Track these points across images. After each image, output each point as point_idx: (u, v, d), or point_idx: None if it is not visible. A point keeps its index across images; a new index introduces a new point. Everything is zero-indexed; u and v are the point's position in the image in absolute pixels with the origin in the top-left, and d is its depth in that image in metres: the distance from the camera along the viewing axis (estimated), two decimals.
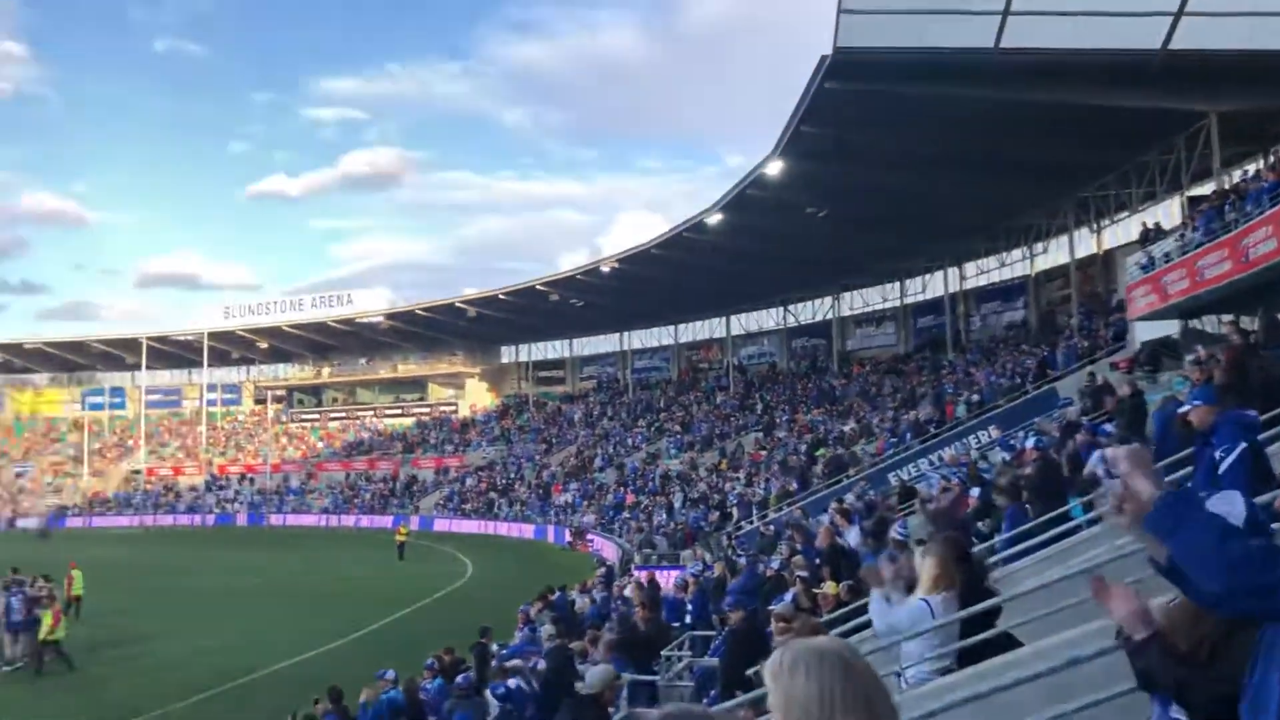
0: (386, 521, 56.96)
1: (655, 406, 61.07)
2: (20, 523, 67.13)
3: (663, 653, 10.62)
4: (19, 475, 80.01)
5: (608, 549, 38.21)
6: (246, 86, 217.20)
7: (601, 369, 72.74)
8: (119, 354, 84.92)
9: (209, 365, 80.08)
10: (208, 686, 17.78)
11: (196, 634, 23.95)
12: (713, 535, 32.96)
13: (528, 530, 50.07)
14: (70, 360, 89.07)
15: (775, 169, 31.91)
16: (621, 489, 47.31)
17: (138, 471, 77.63)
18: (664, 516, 38.61)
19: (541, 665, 10.60)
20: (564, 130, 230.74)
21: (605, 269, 51.82)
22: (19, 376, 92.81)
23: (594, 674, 6.94)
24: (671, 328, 66.63)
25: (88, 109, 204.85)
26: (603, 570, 24.91)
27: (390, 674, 11.39)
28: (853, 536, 12.62)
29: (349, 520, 62.18)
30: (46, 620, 19.67)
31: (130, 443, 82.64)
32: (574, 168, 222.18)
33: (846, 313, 55.81)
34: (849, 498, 20.89)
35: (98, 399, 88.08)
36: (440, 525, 56.00)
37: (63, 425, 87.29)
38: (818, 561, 11.60)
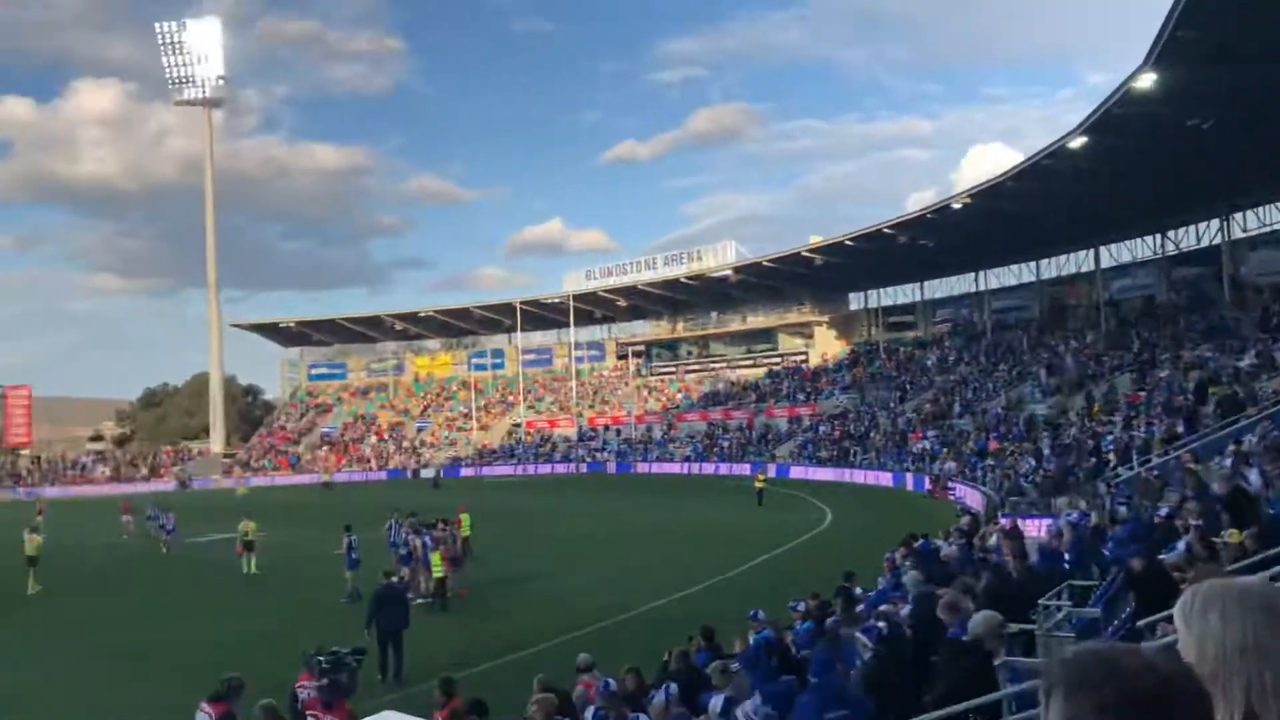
0: (745, 469, 58.28)
1: (1016, 348, 57.99)
2: (422, 473, 75.03)
3: (1040, 602, 10.10)
4: (419, 430, 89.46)
5: (971, 496, 36.94)
6: (594, 58, 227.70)
7: (956, 311, 70.01)
8: (496, 318, 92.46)
9: (575, 325, 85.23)
10: (585, 624, 19.01)
11: (574, 574, 25.73)
12: (1087, 482, 30.91)
13: (884, 478, 49.40)
14: (456, 326, 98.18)
15: (1146, 82, 29.02)
16: (983, 435, 45.45)
17: (518, 425, 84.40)
18: (1031, 463, 36.68)
19: (906, 612, 10.44)
20: (906, 66, 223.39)
21: (957, 206, 49.60)
22: (415, 343, 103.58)
23: (976, 620, 6.67)
24: (1032, 264, 62.81)
25: (458, 95, 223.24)
26: (966, 518, 24.08)
27: (761, 614, 11.65)
28: (1254, 479, 11.37)
29: (709, 468, 64.23)
30: (436, 560, 21.84)
31: (510, 399, 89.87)
32: (919, 103, 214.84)
33: (1239, 235, 49.77)
34: (1249, 439, 18.83)
35: (481, 360, 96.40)
36: (796, 473, 56.51)
37: (453, 385, 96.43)
38: (1217, 508, 10.56)
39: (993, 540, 18.04)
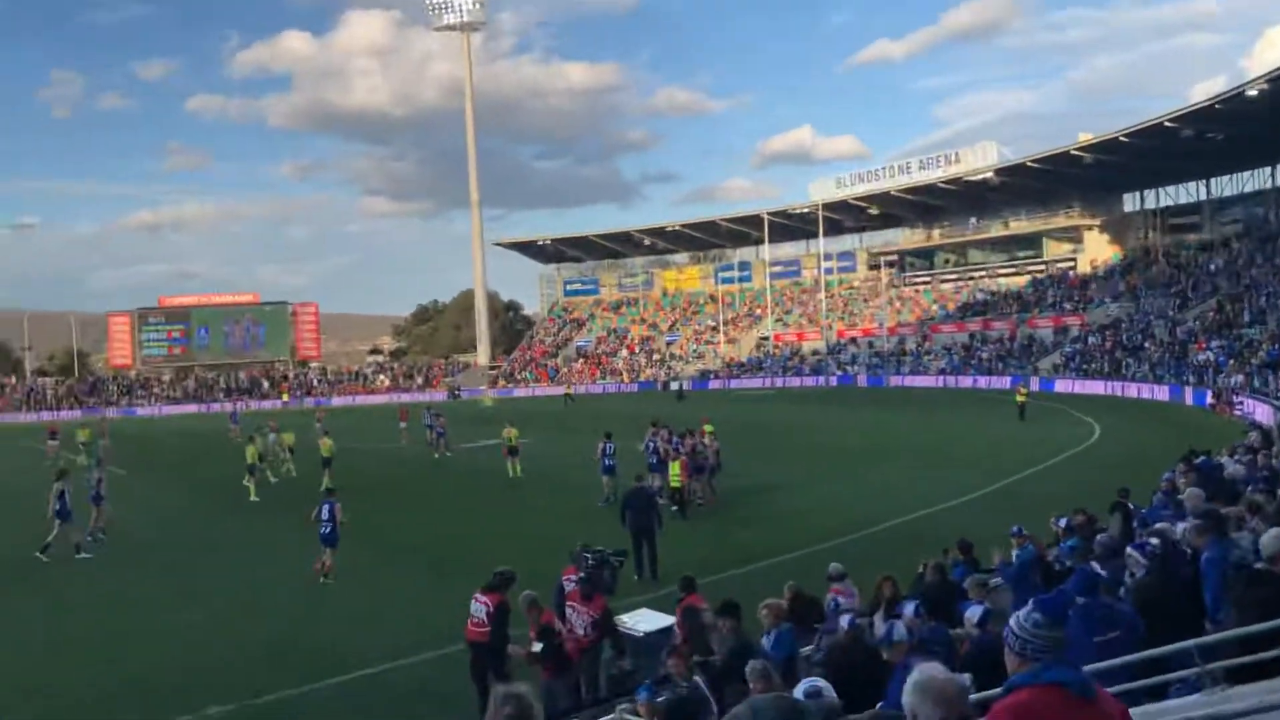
0: (1004, 382, 56.01)
1: None
2: (671, 385, 76.54)
3: None
4: (669, 344, 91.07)
5: (1261, 411, 33.90)
6: None
7: (1247, 211, 63.67)
8: (744, 230, 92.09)
9: (824, 235, 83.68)
10: (836, 535, 18.87)
11: (824, 487, 25.57)
12: None
13: (1160, 392, 46.11)
14: (703, 240, 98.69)
15: None
16: (1275, 345, 41.50)
17: (766, 338, 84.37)
18: None
19: (1182, 529, 9.67)
20: None
21: (1252, 93, 44.84)
22: (663, 257, 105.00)
23: (1270, 539, 6.02)
24: None
25: (704, 4, 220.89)
26: (1255, 434, 22.08)
27: (1021, 529, 11.17)
28: None
29: (966, 381, 62.11)
30: (674, 470, 22.11)
31: (758, 312, 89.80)
32: None
33: None
34: None
35: (729, 273, 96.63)
36: (1061, 386, 53.73)
37: (700, 299, 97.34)
38: None
39: None
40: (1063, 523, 12.18)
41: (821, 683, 5.01)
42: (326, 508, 17.60)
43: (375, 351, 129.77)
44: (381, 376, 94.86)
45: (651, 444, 24.88)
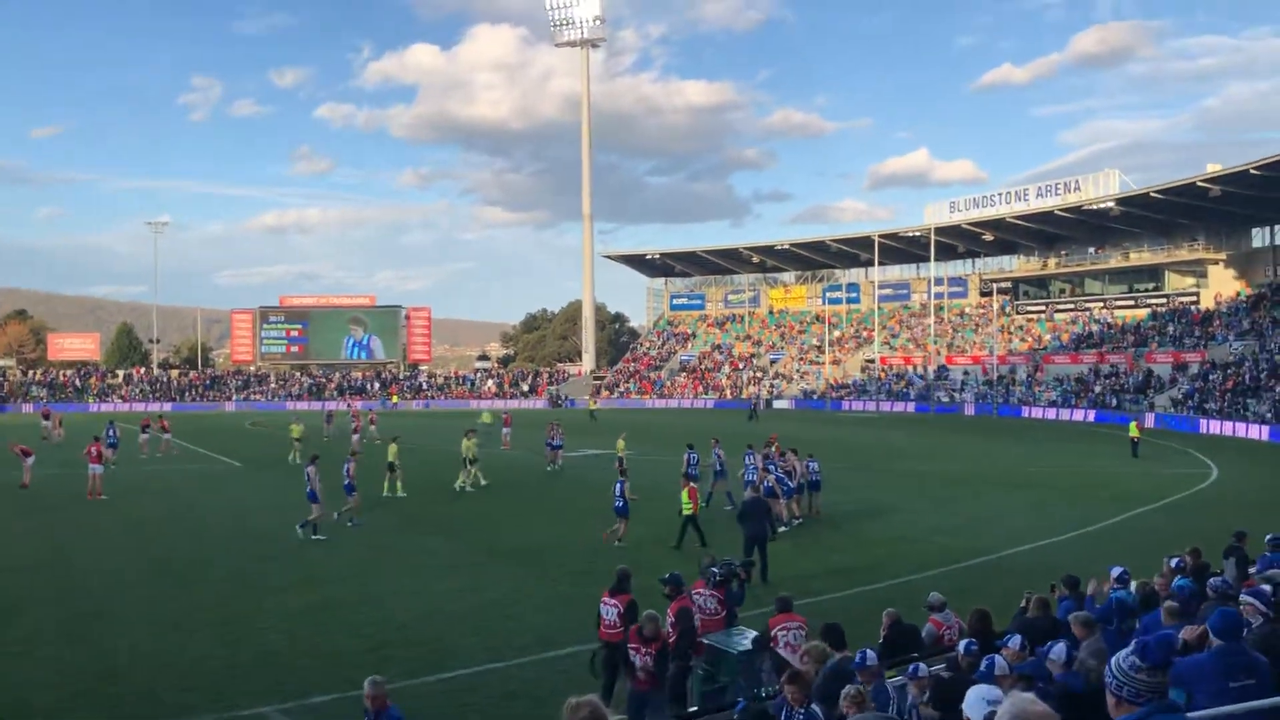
0: (1118, 417, 54.38)
1: None
2: (774, 404, 76.12)
3: None
4: (773, 362, 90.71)
5: None
6: None
7: None
8: (853, 251, 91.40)
9: (935, 259, 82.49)
10: (938, 564, 18.68)
11: (928, 514, 25.25)
12: None
13: None
14: (812, 259, 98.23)
15: None
16: None
17: (872, 360, 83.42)
18: None
19: None
20: None
21: None
22: (771, 275, 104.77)
23: None
24: None
25: (825, 25, 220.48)
26: None
27: (1119, 571, 10.96)
28: None
29: (1078, 414, 60.50)
30: (684, 497, 21.93)
31: (865, 334, 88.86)
32: None
33: None
34: None
35: (836, 294, 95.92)
36: (1179, 424, 51.95)
37: (807, 318, 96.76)
38: None
39: None
40: (1174, 563, 11.91)
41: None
42: (618, 486, 21.01)
43: (484, 357, 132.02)
44: (490, 381, 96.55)
45: (754, 461, 25.01)
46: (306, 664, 12.98)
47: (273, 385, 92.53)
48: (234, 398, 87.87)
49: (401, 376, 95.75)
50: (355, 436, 41.86)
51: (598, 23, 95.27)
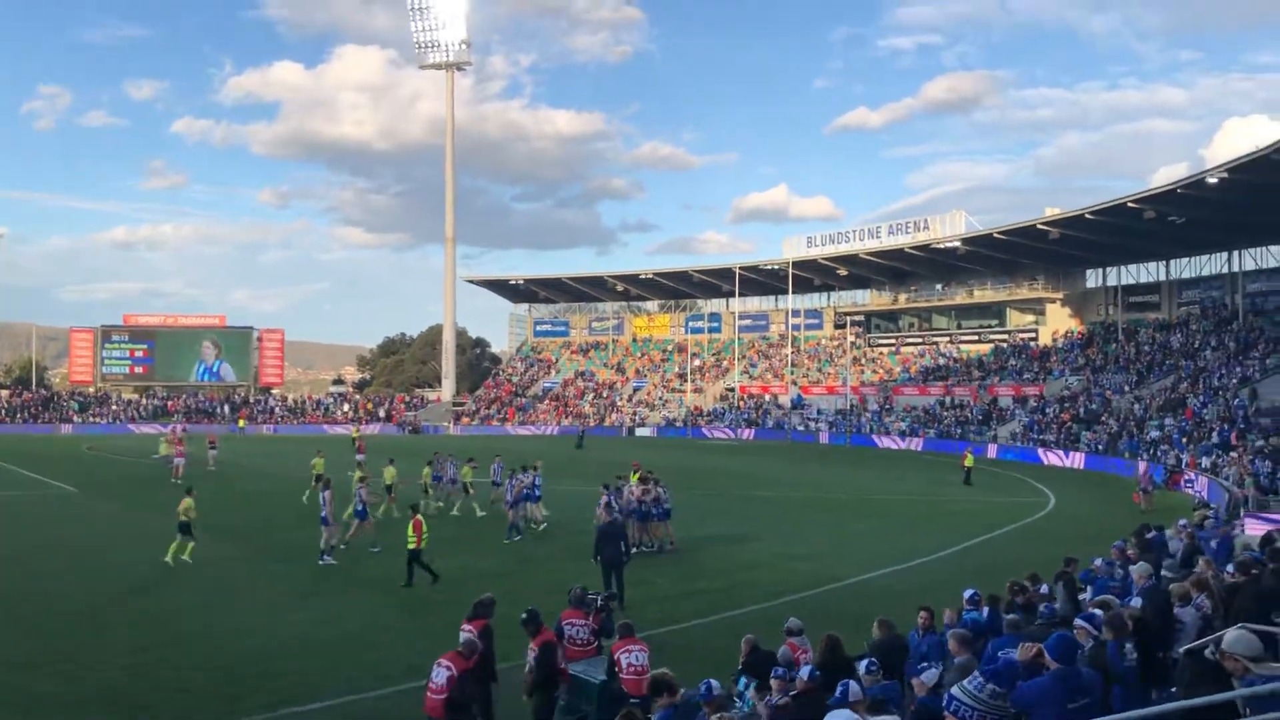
0: (962, 447, 56.71)
1: (1272, 335, 53.66)
2: (637, 431, 76.63)
3: None
4: (635, 390, 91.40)
5: (1210, 490, 34.68)
6: (825, 24, 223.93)
7: (1204, 293, 65.27)
8: (715, 282, 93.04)
9: (793, 292, 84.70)
10: (798, 589, 19.19)
11: (785, 541, 25.86)
12: None
13: (1115, 465, 46.96)
14: (675, 289, 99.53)
15: None
16: (1227, 426, 42.49)
17: (731, 389, 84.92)
18: None
19: (1134, 605, 10.08)
20: (1160, 30, 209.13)
21: (1212, 180, 46.25)
22: (635, 304, 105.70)
23: (1232, 639, 6.24)
24: None
25: (692, 62, 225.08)
26: (1208, 512, 22.69)
27: (969, 593, 11.54)
28: None
29: (926, 445, 62.81)
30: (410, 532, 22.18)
31: (725, 363, 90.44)
32: (1171, 71, 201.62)
33: None
34: None
35: (698, 323, 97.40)
36: (1019, 455, 54.53)
37: (669, 347, 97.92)
38: None
39: (1246, 537, 17.04)
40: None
41: None
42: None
43: (339, 381, 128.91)
44: (345, 406, 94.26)
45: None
46: (154, 700, 12.48)
47: (114, 408, 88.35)
48: (73, 420, 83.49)
49: (252, 400, 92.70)
50: (178, 461, 40.07)
51: (463, 46, 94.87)
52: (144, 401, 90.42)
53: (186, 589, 19.17)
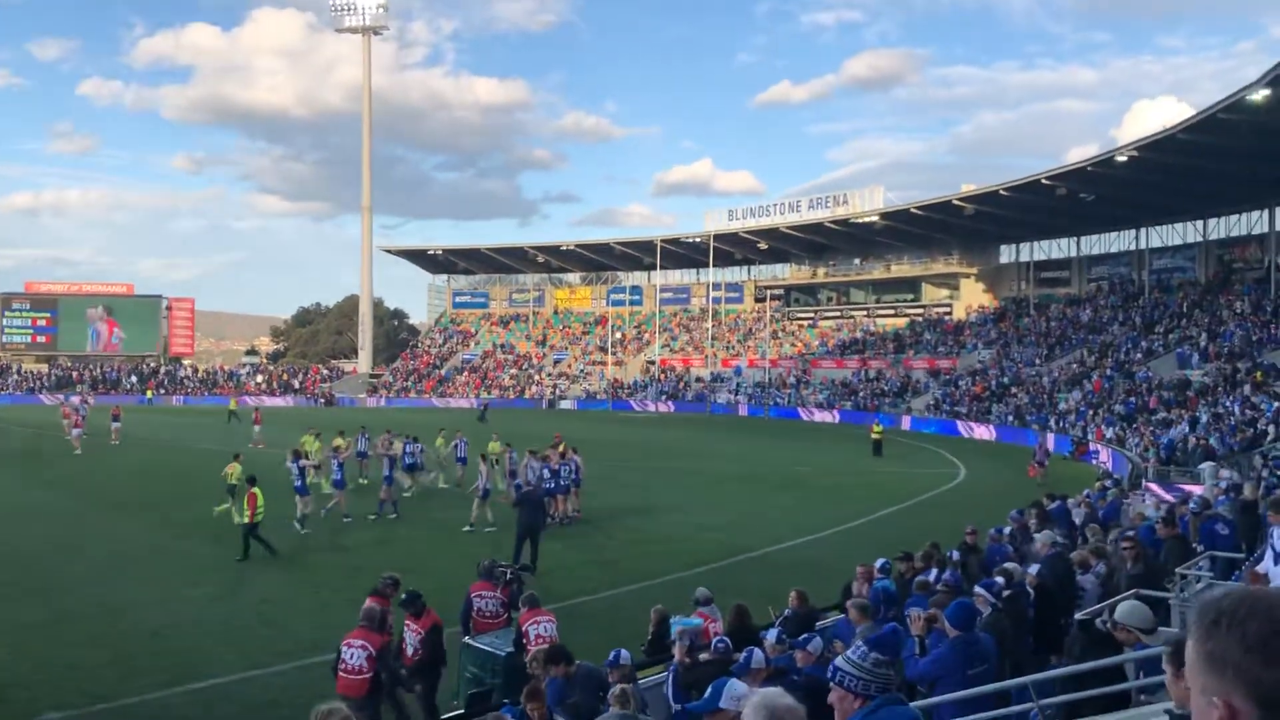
0: (876, 419, 57.55)
1: (1176, 311, 55.28)
2: (560, 404, 76.32)
3: (1178, 571, 9.71)
4: (557, 362, 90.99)
5: (1115, 461, 35.61)
6: None
7: (1113, 269, 66.99)
8: (637, 255, 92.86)
9: (714, 265, 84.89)
10: (709, 560, 19.19)
11: (698, 512, 25.90)
12: (1240, 454, 29.45)
13: (1026, 437, 48.01)
14: (597, 261, 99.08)
15: None
16: (1132, 398, 43.67)
17: (653, 362, 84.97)
18: (1186, 430, 35.07)
19: (1033, 572, 10.18)
20: (1075, 12, 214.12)
21: (1121, 159, 47.28)
22: (557, 276, 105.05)
23: (1125, 610, 6.29)
24: (1198, 223, 59.60)
25: (615, 34, 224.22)
26: (1109, 482, 23.24)
27: (881, 562, 11.58)
28: None
29: (842, 417, 63.57)
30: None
31: (646, 336, 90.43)
32: (1084, 53, 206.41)
33: None
34: None
35: (620, 296, 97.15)
36: (932, 427, 55.47)
37: (590, 319, 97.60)
38: None
39: (1141, 506, 17.44)
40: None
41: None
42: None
43: (252, 352, 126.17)
44: (258, 378, 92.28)
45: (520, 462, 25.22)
46: (37, 679, 11.94)
47: (15, 378, 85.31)
48: None
49: (161, 370, 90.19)
50: (75, 432, 39.86)
51: (381, 10, 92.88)
52: (49, 372, 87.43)
53: (78, 564, 18.48)
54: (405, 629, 10.36)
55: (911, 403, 62.00)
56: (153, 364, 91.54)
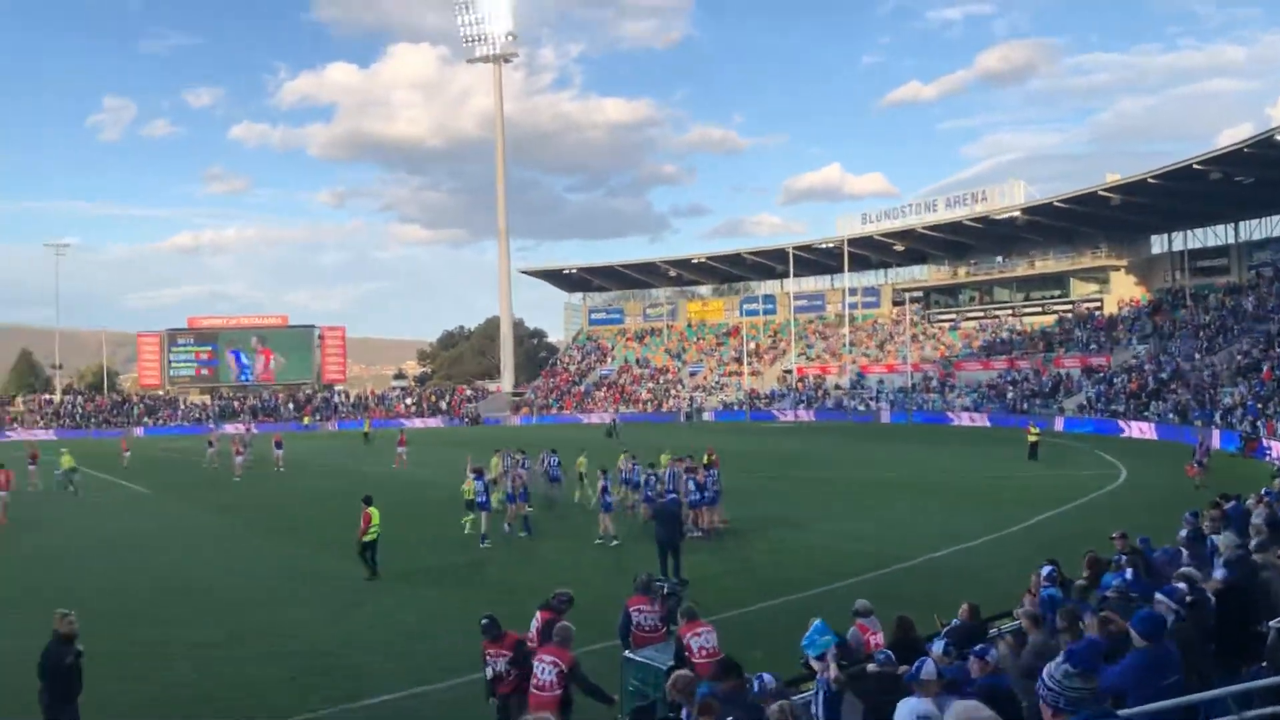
0: (1026, 421, 55.70)
1: None
2: (694, 418, 76.37)
3: None
4: (693, 374, 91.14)
5: None
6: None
7: (1276, 255, 63.32)
8: (769, 264, 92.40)
9: (849, 270, 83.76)
10: (861, 570, 18.81)
11: (847, 520, 25.50)
12: None
13: (1188, 435, 45.69)
14: (728, 272, 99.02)
15: None
16: None
17: (789, 371, 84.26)
18: None
19: (1219, 576, 9.65)
20: None
21: None
22: (689, 289, 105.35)
23: None
24: None
25: (739, 45, 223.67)
26: None
27: (1048, 569, 11.17)
28: None
29: (990, 420, 61.79)
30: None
31: (781, 344, 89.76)
32: (1231, 29, 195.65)
33: None
34: None
35: (753, 306, 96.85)
36: (1088, 427, 53.37)
37: (724, 330, 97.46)
38: None
39: None
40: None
41: None
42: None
43: (400, 376, 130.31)
44: (407, 400, 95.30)
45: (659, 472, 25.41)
46: (220, 695, 12.53)
47: (182, 409, 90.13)
48: (143, 423, 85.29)
49: (316, 397, 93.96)
50: (238, 460, 42.18)
51: (510, 39, 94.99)
52: (212, 403, 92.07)
53: (248, 585, 19.33)
54: (486, 655, 10.18)
55: (1064, 402, 59.82)
56: (308, 391, 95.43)
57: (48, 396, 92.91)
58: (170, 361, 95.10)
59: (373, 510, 19.72)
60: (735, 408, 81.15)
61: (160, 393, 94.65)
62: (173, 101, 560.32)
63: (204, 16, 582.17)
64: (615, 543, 22.32)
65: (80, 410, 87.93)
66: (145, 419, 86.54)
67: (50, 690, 10.00)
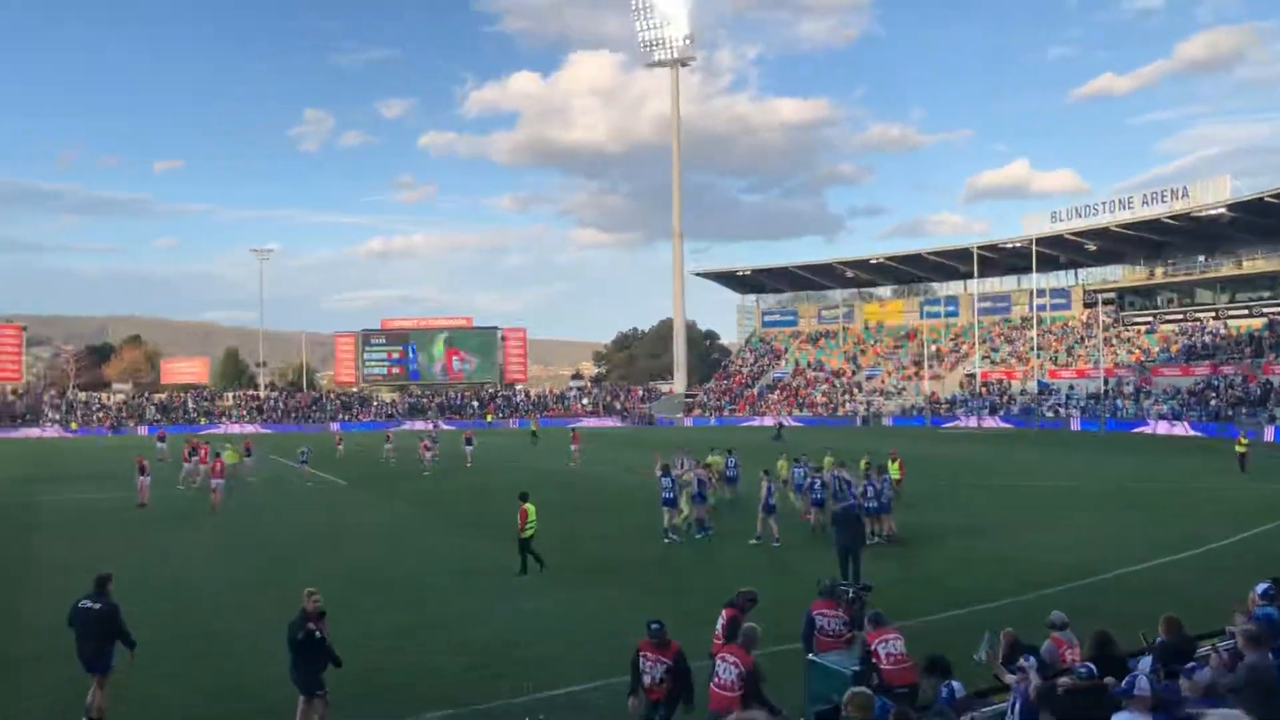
0: (1230, 431, 52.30)
1: None
2: (871, 422, 74.96)
3: None
4: (869, 378, 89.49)
5: None
6: None
7: None
8: (951, 264, 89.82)
9: (1037, 270, 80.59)
10: (1047, 584, 18.00)
11: (1035, 531, 24.51)
12: None
13: None
14: (907, 273, 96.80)
15: None
16: None
17: (972, 375, 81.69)
18: None
19: None
20: None
21: None
22: (866, 290, 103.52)
23: None
24: None
25: (918, 40, 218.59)
26: None
27: (1264, 587, 10.47)
28: None
29: (1191, 429, 58.33)
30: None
31: (964, 348, 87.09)
32: None
33: None
34: None
35: (934, 308, 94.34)
36: None
37: (902, 333, 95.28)
38: None
39: None
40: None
41: None
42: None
43: (577, 376, 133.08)
44: (584, 400, 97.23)
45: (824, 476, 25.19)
46: (410, 681, 13.06)
47: (375, 406, 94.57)
48: (338, 419, 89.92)
49: (499, 396, 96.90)
50: (427, 456, 45.08)
51: (687, 42, 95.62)
52: (401, 399, 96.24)
53: (435, 576, 20.08)
54: (642, 659, 10.12)
55: (1275, 411, 55.86)
56: (491, 390, 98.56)
57: (252, 392, 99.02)
58: (364, 360, 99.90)
59: (529, 507, 19.95)
60: (914, 413, 79.23)
61: (354, 390, 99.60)
62: (366, 112, 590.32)
63: (396, 31, 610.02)
64: (776, 544, 22.28)
65: (281, 406, 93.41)
66: (341, 414, 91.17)
67: (296, 663, 10.95)
